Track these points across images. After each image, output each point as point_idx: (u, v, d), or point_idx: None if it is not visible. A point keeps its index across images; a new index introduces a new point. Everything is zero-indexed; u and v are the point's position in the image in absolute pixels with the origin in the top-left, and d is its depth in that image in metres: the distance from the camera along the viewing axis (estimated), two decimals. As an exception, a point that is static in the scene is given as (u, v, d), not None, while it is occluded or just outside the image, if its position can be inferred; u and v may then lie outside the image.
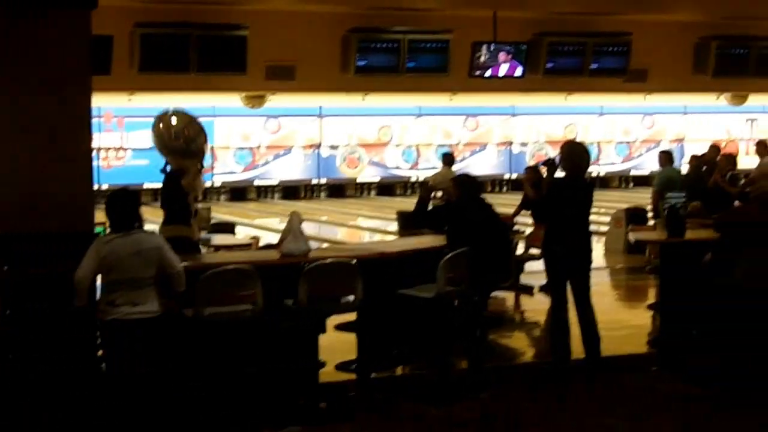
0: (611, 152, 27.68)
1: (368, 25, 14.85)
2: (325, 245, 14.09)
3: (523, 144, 27.82)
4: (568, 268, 8.63)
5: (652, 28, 16.53)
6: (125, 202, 6.83)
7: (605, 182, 27.25)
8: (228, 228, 13.94)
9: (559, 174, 8.72)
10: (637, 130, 27.56)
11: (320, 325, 7.82)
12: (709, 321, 8.25)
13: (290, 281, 7.54)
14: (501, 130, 27.49)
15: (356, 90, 16.55)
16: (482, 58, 15.22)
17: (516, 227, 13.24)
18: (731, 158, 14.49)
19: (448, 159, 15.78)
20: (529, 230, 13.36)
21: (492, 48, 15.22)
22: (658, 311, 9.67)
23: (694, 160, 14.81)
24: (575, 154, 8.87)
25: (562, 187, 8.73)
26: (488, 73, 15.38)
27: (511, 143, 27.69)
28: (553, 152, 24.36)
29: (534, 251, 12.26)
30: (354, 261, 7.83)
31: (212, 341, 7.31)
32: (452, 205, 9.20)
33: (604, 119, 26.98)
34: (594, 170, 26.05)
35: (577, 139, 18.39)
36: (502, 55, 15.34)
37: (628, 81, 16.76)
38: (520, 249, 12.66)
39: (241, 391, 7.38)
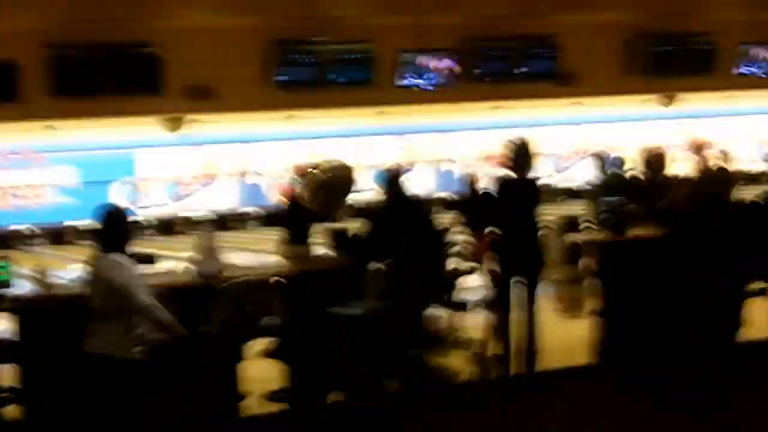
0: (546, 165, 27.29)
1: (289, 37, 14.25)
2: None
3: (453, 161, 27.32)
4: (519, 274, 8.18)
5: (579, 30, 16.15)
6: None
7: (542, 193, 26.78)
8: (147, 259, 13.16)
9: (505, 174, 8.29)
10: (571, 141, 27.20)
11: (237, 352, 7.16)
12: (653, 323, 7.79)
13: (207, 305, 6.89)
14: (433, 148, 26.98)
15: (279, 107, 15.92)
16: (408, 68, 14.68)
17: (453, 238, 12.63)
18: (664, 160, 14.16)
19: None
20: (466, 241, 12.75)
21: (419, 57, 14.68)
22: (600, 316, 9.16)
23: (632, 163, 14.40)
24: (521, 152, 8.45)
25: (509, 187, 8.28)
26: (414, 82, 14.83)
27: (440, 161, 27.17)
28: (484, 169, 23.95)
29: (470, 265, 11.67)
30: (274, 279, 7.20)
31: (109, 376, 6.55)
32: (379, 210, 8.58)
33: (536, 131, 26.59)
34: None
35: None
36: (429, 63, 14.83)
37: (559, 85, 16.32)
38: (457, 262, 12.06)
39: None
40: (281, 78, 14.12)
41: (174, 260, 19.29)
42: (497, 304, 8.34)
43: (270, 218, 8.85)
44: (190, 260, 7.64)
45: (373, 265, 7.72)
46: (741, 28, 16.98)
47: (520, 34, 15.87)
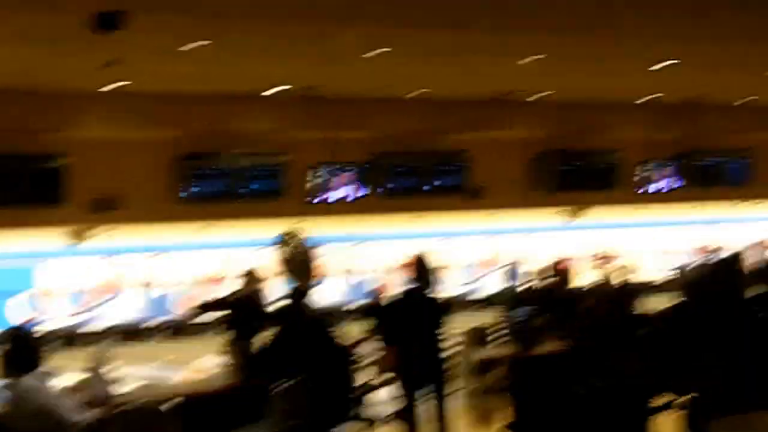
0: (456, 276, 27.31)
1: (198, 151, 14.17)
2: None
3: (365, 272, 27.20)
4: (425, 386, 8.04)
5: (490, 146, 16.38)
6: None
7: (448, 307, 26.65)
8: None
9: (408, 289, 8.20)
10: (482, 252, 27.32)
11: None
12: None
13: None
14: (341, 259, 26.81)
15: (188, 219, 15.76)
16: (318, 181, 14.67)
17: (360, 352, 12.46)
18: (570, 272, 14.28)
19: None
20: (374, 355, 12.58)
21: (330, 170, 14.70)
22: (511, 430, 9.01)
23: (539, 274, 14.48)
24: (422, 267, 8.38)
25: (412, 300, 8.19)
26: (326, 197, 14.82)
27: (352, 271, 27.03)
28: (397, 279, 23.89)
29: (380, 379, 11.49)
30: (170, 403, 6.93)
31: None
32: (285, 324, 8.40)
33: (448, 243, 26.67)
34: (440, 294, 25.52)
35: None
36: (338, 177, 14.84)
37: (467, 199, 16.45)
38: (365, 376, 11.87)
39: None
40: (191, 191, 14.00)
41: (77, 375, 18.71)
42: (405, 417, 8.17)
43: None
44: (79, 383, 7.35)
45: (278, 383, 7.52)
46: (642, 146, 17.40)
47: (430, 149, 16.03)
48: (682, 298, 8.54)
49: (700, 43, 12.21)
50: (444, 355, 8.44)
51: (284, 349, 7.95)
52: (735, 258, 9.13)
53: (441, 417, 8.17)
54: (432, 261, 8.62)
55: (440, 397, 8.23)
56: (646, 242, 23.84)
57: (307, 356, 7.87)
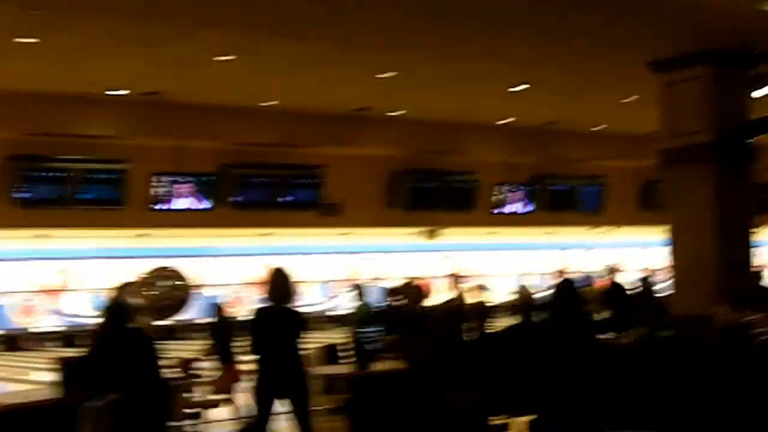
0: (314, 292, 26.98)
1: (31, 153, 13.50)
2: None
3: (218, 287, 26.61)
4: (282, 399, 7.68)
5: (345, 162, 16.13)
6: None
7: (305, 322, 26.29)
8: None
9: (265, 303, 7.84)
10: (337, 270, 27.08)
11: None
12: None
13: None
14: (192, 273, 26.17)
15: (20, 225, 15.01)
16: (161, 190, 14.16)
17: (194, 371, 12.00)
18: (425, 291, 14.11)
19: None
20: (213, 375, 12.14)
21: (172, 179, 14.19)
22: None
23: (391, 294, 14.30)
24: (280, 281, 8.03)
25: (268, 315, 7.83)
26: (168, 206, 14.31)
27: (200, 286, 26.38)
28: (252, 294, 23.41)
29: (218, 397, 11.07)
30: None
31: None
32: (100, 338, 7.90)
33: (306, 259, 26.34)
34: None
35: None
36: (183, 188, 14.35)
37: (322, 215, 16.16)
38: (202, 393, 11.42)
39: None
40: (22, 195, 13.31)
41: None
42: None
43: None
44: None
45: (91, 402, 7.03)
46: (498, 168, 17.40)
47: (284, 162, 15.69)
48: (521, 319, 8.47)
49: (553, 70, 12.23)
50: (303, 370, 8.07)
51: (97, 365, 7.49)
52: (577, 282, 9.10)
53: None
54: (289, 275, 8.26)
55: (300, 414, 7.84)
56: (503, 264, 23.96)
57: (121, 374, 7.41)
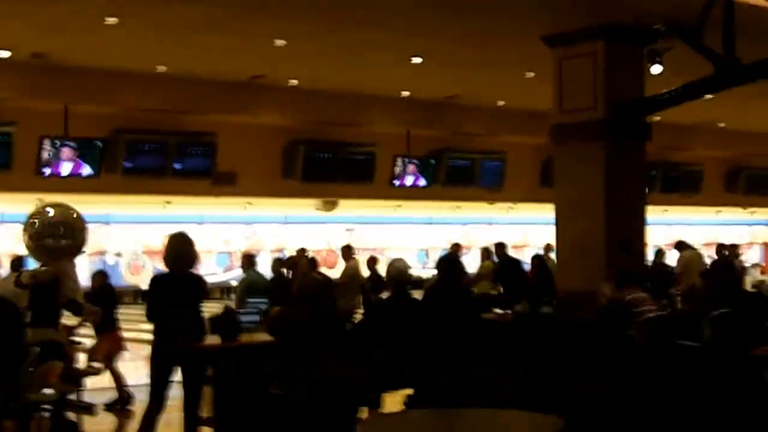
0: (211, 263, 26.61)
1: None
2: None
3: (118, 254, 26.15)
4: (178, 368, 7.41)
5: (239, 130, 15.80)
6: None
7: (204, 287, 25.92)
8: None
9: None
10: (238, 240, 26.74)
11: None
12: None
13: None
14: (95, 239, 25.67)
15: None
16: (48, 155, 13.70)
17: (76, 338, 11.65)
18: (314, 261, 13.95)
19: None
20: (89, 342, 11.80)
21: (58, 144, 13.74)
22: (211, 425, 8.42)
23: (278, 263, 14.10)
24: (179, 247, 7.73)
25: (167, 281, 7.53)
26: (56, 171, 13.86)
27: (104, 252, 25.93)
28: (151, 263, 23.00)
29: (96, 365, 10.75)
30: None
31: None
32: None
33: (204, 228, 25.95)
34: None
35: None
36: (70, 152, 13.91)
37: (216, 183, 15.82)
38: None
39: None
40: None
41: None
42: (151, 403, 7.45)
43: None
44: None
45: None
46: (398, 141, 17.23)
47: (177, 130, 15.31)
48: (393, 295, 8.29)
49: (447, 42, 12.07)
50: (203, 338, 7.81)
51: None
52: (455, 257, 8.95)
53: (189, 402, 7.51)
54: (190, 241, 7.96)
55: (193, 383, 7.56)
56: (406, 238, 23.90)
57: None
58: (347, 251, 13.98)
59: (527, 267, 14.00)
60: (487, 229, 23.10)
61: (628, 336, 8.56)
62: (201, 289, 7.96)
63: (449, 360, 7.67)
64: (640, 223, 10.75)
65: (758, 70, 9.86)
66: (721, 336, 8.52)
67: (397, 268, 7.61)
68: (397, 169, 17.24)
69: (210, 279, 25.54)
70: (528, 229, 23.79)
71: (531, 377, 8.22)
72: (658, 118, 17.35)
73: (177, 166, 15.29)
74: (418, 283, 15.39)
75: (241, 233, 26.34)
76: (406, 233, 24.04)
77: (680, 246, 14.48)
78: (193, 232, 8.14)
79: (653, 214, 22.32)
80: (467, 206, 20.21)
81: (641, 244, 10.79)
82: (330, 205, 17.92)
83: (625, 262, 10.15)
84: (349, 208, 18.88)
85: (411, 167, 17.33)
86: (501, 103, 17.07)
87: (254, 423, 7.28)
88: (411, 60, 13.36)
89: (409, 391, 7.84)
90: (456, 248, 16.00)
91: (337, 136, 16.65)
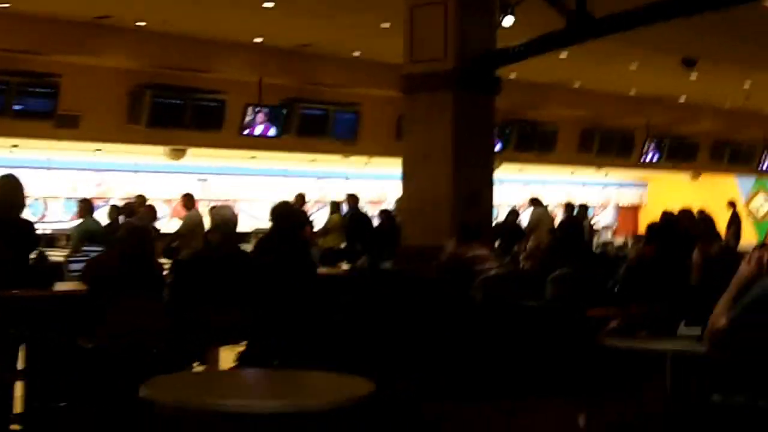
0: (59, 209, 25.63)
1: None
2: None
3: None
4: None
5: (83, 72, 15.07)
6: None
7: (52, 240, 24.99)
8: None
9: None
10: (87, 187, 25.80)
11: None
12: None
13: None
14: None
15: None
16: None
17: None
18: (152, 209, 13.51)
19: None
20: None
21: None
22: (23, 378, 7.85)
23: (114, 210, 13.60)
24: (7, 191, 7.16)
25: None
26: None
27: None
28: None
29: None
30: None
31: None
32: None
33: (53, 174, 24.95)
34: (41, 227, 23.78)
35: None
36: None
37: (58, 126, 15.08)
38: None
39: None
40: None
41: None
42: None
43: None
44: None
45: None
46: (250, 89, 16.71)
47: (18, 70, 14.52)
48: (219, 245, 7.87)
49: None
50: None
51: None
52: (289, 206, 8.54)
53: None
54: (20, 184, 7.35)
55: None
56: (258, 190, 23.31)
57: None
58: (188, 200, 13.52)
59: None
60: (343, 183, 22.76)
61: (467, 294, 8.36)
62: (31, 236, 7.46)
63: (280, 315, 7.34)
64: (489, 177, 10.55)
65: (610, 25, 9.73)
66: (561, 296, 8.39)
67: (222, 216, 7.18)
68: (248, 118, 16.72)
69: (56, 226, 24.72)
70: (386, 185, 23.55)
71: (365, 334, 7.95)
72: (513, 75, 17.34)
73: (17, 107, 14.58)
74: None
75: (89, 180, 25.41)
76: (260, 185, 23.52)
77: (533, 203, 14.45)
78: (40, 178, 7.60)
79: (509, 172, 22.60)
80: (323, 159, 19.83)
81: (490, 200, 10.59)
82: (178, 153, 17.30)
83: (473, 217, 9.94)
84: (199, 157, 18.29)
85: (261, 116, 16.82)
86: (356, 53, 16.69)
87: (65, 376, 6.81)
88: (263, 5, 12.90)
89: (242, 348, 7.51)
90: (299, 200, 15.64)
91: (186, 82, 16.04)
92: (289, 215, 7.49)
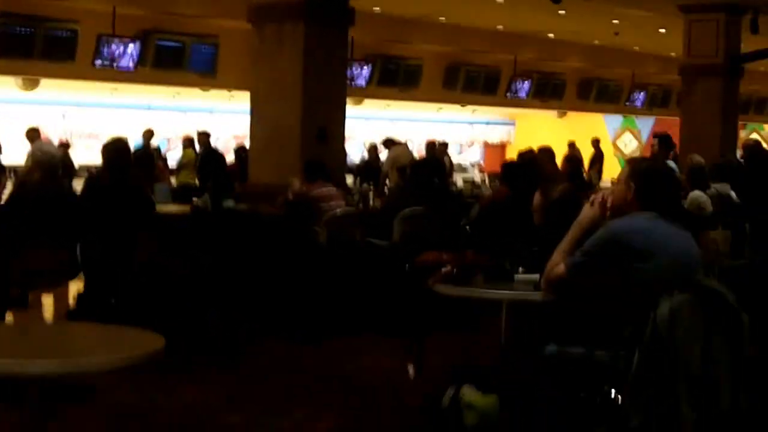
0: None
1: None
2: None
3: None
4: None
5: None
6: None
7: None
8: None
9: None
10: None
11: None
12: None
13: None
14: None
15: None
16: None
17: None
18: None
19: None
20: None
21: None
22: None
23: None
24: None
25: None
26: None
27: None
28: None
29: None
30: None
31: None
32: None
33: None
34: None
35: None
36: None
37: None
38: None
39: None
40: None
41: None
42: None
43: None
44: None
45: None
46: (104, 19, 16.01)
47: None
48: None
49: None
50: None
51: None
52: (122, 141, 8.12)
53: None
54: None
55: None
56: (122, 124, 22.58)
57: None
58: (32, 133, 12.93)
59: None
60: (208, 117, 22.19)
61: (310, 233, 8.12)
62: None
63: (116, 255, 6.98)
64: (340, 113, 10.23)
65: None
66: (409, 235, 8.22)
67: (46, 152, 6.77)
68: (103, 49, 16.02)
69: None
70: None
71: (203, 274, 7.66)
72: (378, 9, 17.02)
73: None
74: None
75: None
76: (124, 119, 22.78)
77: (388, 143, 14.20)
78: None
79: (375, 108, 22.30)
80: (186, 93, 19.26)
81: (341, 136, 10.30)
82: (31, 84, 16.55)
83: (323, 154, 9.66)
84: (53, 88, 17.54)
85: (118, 47, 16.14)
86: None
87: None
88: None
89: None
90: (147, 134, 15.13)
91: (36, 10, 15.24)
92: (121, 153, 7.08)
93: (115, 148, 7.09)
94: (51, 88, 17.56)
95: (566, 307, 4.45)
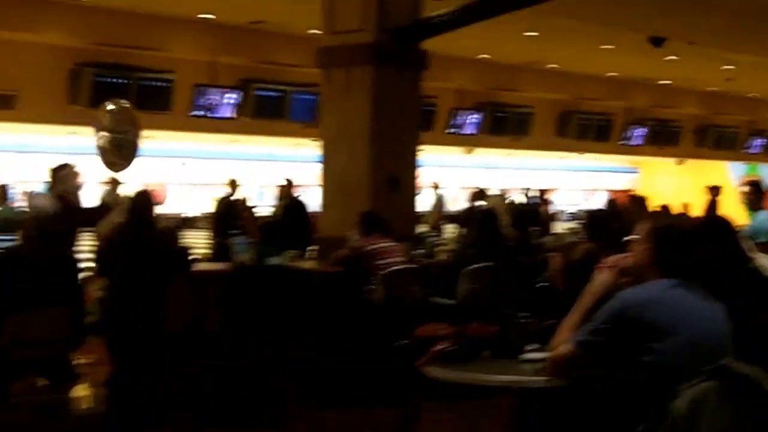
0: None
1: None
2: None
3: None
4: None
5: (21, 50, 14.24)
6: None
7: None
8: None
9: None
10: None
11: None
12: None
13: None
14: None
15: None
16: None
17: None
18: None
19: None
20: None
21: None
22: None
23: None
24: None
25: None
26: None
27: None
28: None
29: None
30: None
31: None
32: None
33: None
34: None
35: None
36: None
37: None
38: None
39: None
40: None
41: None
42: None
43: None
44: None
45: None
46: (200, 69, 15.85)
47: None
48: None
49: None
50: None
51: None
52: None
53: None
54: None
55: None
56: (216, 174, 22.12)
57: None
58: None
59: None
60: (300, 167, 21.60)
61: (360, 292, 7.52)
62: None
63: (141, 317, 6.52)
64: (411, 160, 9.61)
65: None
66: (476, 292, 7.57)
67: (36, 206, 6.38)
68: (205, 99, 15.86)
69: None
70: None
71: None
72: (487, 56, 16.52)
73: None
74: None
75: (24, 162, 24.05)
76: (243, 169, 22.44)
77: (475, 197, 13.16)
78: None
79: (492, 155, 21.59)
80: (277, 141, 18.88)
81: (412, 184, 9.66)
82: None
83: (394, 203, 9.08)
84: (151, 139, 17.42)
85: (217, 97, 15.93)
86: (314, 31, 15.74)
87: None
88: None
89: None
90: (232, 185, 14.61)
91: (131, 60, 15.16)
92: (143, 206, 6.61)
93: (140, 202, 6.63)
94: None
95: (575, 395, 3.70)
